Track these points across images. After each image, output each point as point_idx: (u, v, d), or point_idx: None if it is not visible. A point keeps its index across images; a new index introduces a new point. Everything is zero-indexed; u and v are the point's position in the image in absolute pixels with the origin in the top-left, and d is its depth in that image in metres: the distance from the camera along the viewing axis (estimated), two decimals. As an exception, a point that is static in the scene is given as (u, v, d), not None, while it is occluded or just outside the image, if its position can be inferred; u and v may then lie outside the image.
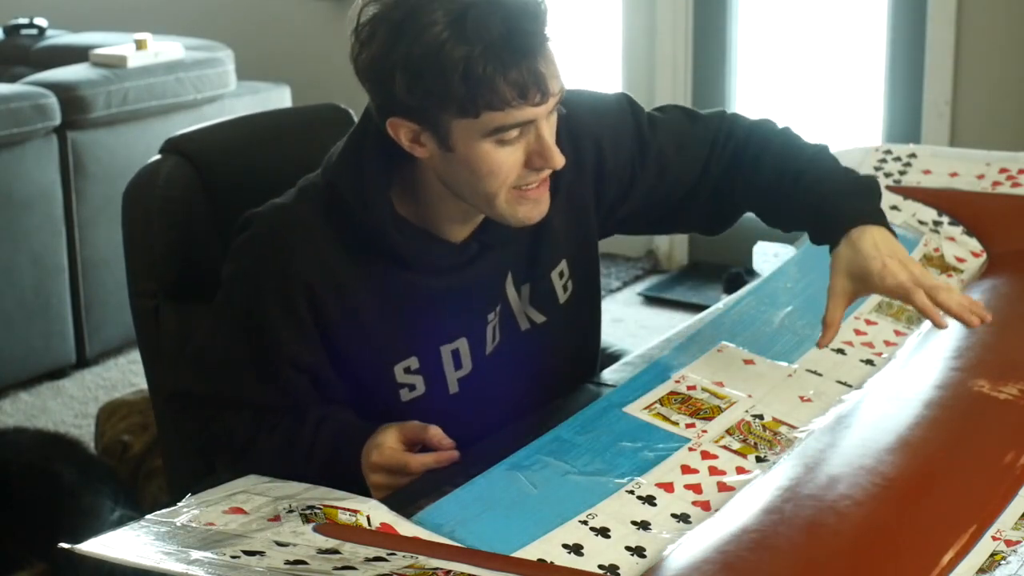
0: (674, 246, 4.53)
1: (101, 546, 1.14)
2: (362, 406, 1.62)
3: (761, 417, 1.58)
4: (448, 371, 1.62)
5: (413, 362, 1.60)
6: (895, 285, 1.59)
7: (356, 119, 1.91)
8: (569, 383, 1.74)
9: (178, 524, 1.21)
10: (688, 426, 1.55)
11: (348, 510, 1.25)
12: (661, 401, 1.60)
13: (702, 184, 1.77)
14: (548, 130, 1.50)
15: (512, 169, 1.49)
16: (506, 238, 1.61)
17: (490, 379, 1.65)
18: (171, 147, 1.83)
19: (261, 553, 1.14)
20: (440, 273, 1.59)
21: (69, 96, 3.63)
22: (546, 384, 1.71)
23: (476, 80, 1.42)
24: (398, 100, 1.46)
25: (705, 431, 1.54)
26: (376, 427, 1.56)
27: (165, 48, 3.95)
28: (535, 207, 1.54)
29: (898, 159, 2.30)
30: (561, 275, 1.71)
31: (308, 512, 1.24)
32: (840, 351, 1.75)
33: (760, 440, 1.53)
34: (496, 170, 1.49)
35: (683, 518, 1.37)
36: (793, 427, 1.57)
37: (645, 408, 1.58)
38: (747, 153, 1.75)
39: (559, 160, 1.50)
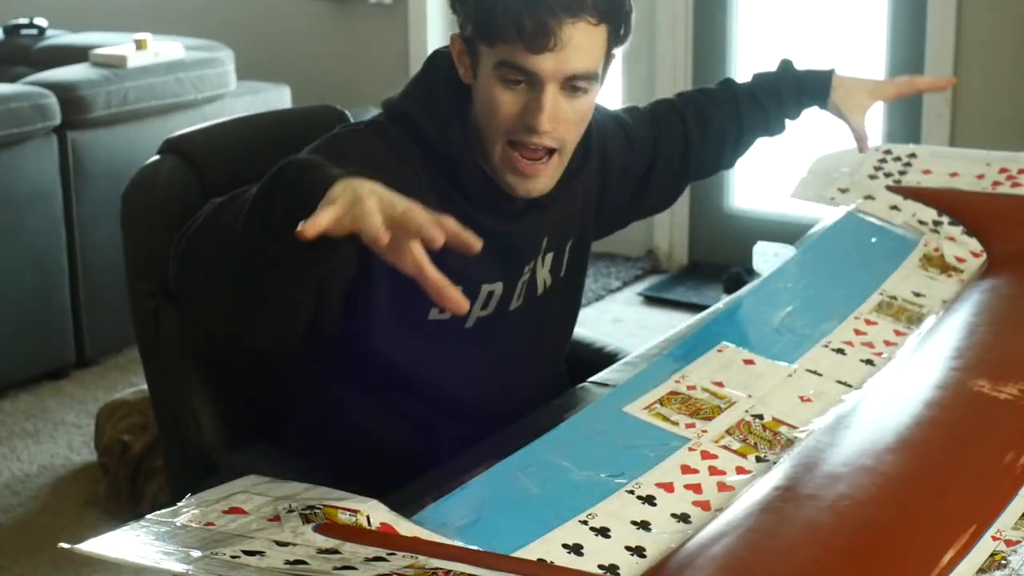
0: (674, 246, 4.53)
1: (101, 546, 1.14)
2: (387, 312, 1.62)
3: (761, 417, 1.58)
4: (476, 307, 1.67)
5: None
6: (890, 82, 2.15)
7: (352, 120, 1.93)
8: (543, 366, 1.81)
9: (178, 524, 1.21)
10: (688, 426, 1.55)
11: (348, 510, 1.25)
12: (661, 401, 1.60)
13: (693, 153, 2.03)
14: (553, 99, 1.55)
15: (509, 116, 1.56)
16: (552, 196, 1.68)
17: (502, 328, 1.71)
18: (169, 147, 1.83)
19: (261, 553, 1.14)
20: (497, 215, 1.65)
21: (69, 96, 3.62)
22: (533, 357, 1.77)
23: (489, 5, 1.53)
24: (457, 12, 1.60)
25: (705, 431, 1.54)
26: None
27: (165, 48, 3.95)
28: (522, 180, 1.60)
29: (898, 159, 2.31)
30: (570, 249, 1.80)
31: (308, 512, 1.24)
32: (840, 351, 1.76)
33: (760, 440, 1.53)
34: (496, 110, 1.57)
35: (683, 518, 1.37)
36: (793, 427, 1.57)
37: (645, 408, 1.58)
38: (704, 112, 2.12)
39: (544, 123, 1.55)
